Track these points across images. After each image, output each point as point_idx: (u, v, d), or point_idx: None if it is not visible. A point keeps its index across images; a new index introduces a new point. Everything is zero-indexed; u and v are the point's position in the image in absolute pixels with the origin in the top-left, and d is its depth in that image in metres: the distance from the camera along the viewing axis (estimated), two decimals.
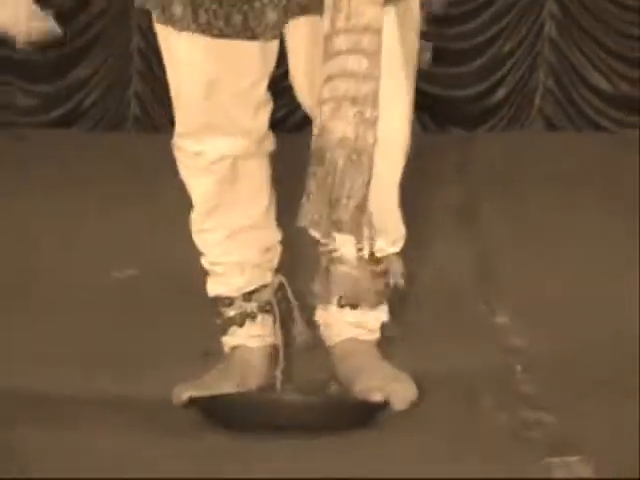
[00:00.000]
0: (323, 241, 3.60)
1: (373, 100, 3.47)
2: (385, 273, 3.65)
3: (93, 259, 5.15)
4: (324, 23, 3.47)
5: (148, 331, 4.14)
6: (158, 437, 3.36)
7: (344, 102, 3.47)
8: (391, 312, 3.66)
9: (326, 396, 3.60)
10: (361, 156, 3.53)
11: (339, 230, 3.51)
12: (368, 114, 3.47)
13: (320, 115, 3.47)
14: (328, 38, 3.43)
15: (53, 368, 3.82)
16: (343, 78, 3.46)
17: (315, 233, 3.49)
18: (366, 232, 3.54)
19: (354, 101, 3.47)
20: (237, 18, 3.56)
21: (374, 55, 3.45)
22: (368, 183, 3.48)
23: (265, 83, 3.60)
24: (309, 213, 3.48)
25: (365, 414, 3.51)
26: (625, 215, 5.62)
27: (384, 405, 3.46)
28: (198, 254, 3.69)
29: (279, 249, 3.67)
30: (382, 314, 3.67)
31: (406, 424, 3.38)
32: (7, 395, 3.60)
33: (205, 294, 3.66)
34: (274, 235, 3.67)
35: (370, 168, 3.46)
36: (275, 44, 3.57)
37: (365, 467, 3.23)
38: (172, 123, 3.62)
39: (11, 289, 4.66)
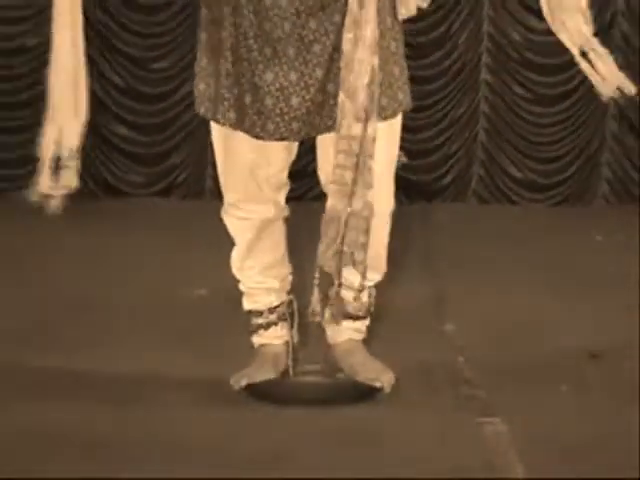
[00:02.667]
0: (335, 274, 3.52)
1: (354, 185, 3.43)
2: (370, 294, 3.65)
3: (169, 281, 4.98)
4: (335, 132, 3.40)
5: (211, 335, 4.12)
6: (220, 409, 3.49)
7: (338, 186, 3.45)
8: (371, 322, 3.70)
9: (340, 380, 3.65)
10: (359, 220, 3.48)
11: (352, 266, 3.50)
12: (349, 194, 3.44)
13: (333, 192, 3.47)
14: (335, 142, 3.39)
15: (136, 359, 3.86)
16: (339, 169, 3.44)
17: (329, 269, 3.50)
18: (364, 269, 3.51)
19: (343, 185, 3.44)
20: (270, 126, 3.46)
21: (356, 154, 3.41)
22: (366, 240, 3.49)
23: (287, 171, 3.59)
24: (325, 257, 3.49)
25: (366, 393, 3.61)
26: (545, 263, 5.41)
27: (379, 388, 3.60)
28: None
29: (290, 278, 3.69)
30: (367, 321, 3.69)
31: (388, 399, 3.54)
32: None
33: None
34: (287, 269, 3.69)
35: (367, 229, 3.47)
36: (296, 143, 3.54)
37: (364, 424, 3.41)
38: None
39: (107, 307, 4.50)
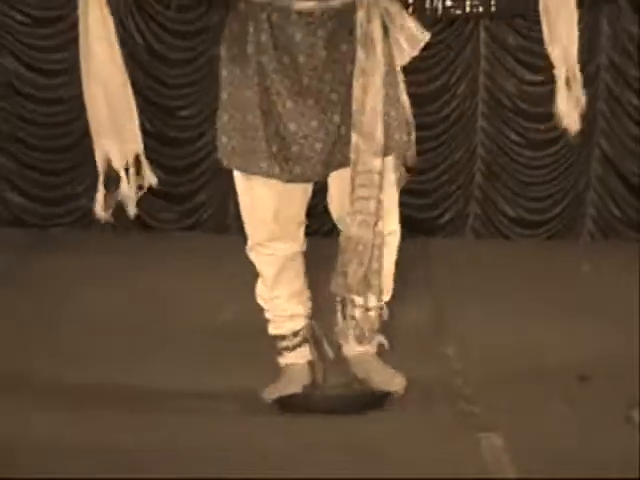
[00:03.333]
0: (352, 297, 3.59)
1: (377, 214, 3.49)
2: (381, 313, 3.66)
3: (197, 307, 4.91)
4: (350, 169, 3.45)
5: (236, 355, 4.07)
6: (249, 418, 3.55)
7: (359, 215, 3.48)
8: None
9: (354, 391, 3.69)
10: (368, 247, 3.50)
11: (360, 291, 3.56)
12: (374, 222, 3.50)
13: (348, 223, 3.50)
14: (352, 178, 3.44)
15: (172, 374, 3.89)
16: (361, 202, 3.47)
17: (345, 294, 3.58)
18: (380, 291, 3.59)
19: (369, 215, 3.48)
20: (298, 170, 3.48)
21: (376, 189, 3.46)
22: (379, 265, 3.54)
23: (304, 210, 3.61)
24: (354, 282, 3.53)
25: (379, 400, 3.62)
26: (536, 291, 5.32)
27: (389, 393, 3.62)
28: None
29: (310, 304, 3.73)
30: (379, 337, 3.69)
31: (391, 412, 3.56)
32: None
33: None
34: (307, 296, 3.72)
35: (380, 256, 3.53)
36: (311, 184, 3.57)
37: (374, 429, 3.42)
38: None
39: (142, 330, 4.47)
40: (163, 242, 6.53)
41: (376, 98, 3.39)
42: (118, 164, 3.45)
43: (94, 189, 6.58)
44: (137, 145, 3.48)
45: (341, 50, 3.43)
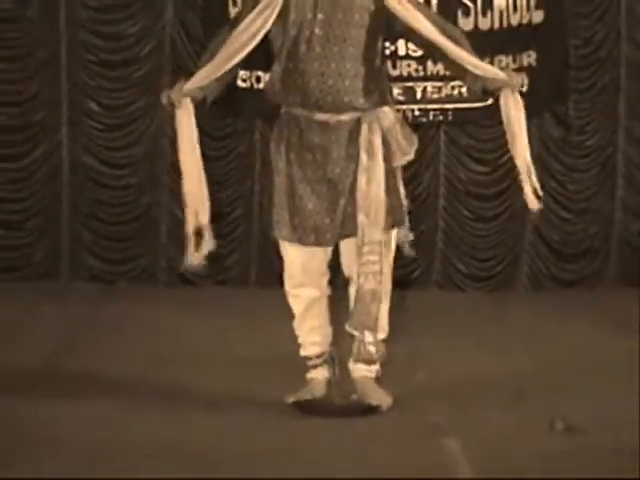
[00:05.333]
0: (358, 333, 3.61)
1: (380, 272, 3.52)
2: (379, 348, 3.66)
3: (232, 345, 4.78)
4: (358, 240, 3.50)
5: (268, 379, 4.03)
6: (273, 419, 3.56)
7: (369, 274, 3.51)
8: None
9: (354, 402, 3.69)
10: (375, 297, 3.53)
11: (368, 329, 3.59)
12: (378, 279, 3.53)
13: (359, 280, 3.52)
14: (359, 247, 3.50)
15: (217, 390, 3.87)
16: (369, 265, 3.50)
17: (354, 332, 3.60)
18: (378, 329, 3.63)
19: (375, 274, 3.50)
20: (312, 238, 3.54)
21: (380, 254, 3.50)
22: (379, 310, 3.58)
23: (326, 263, 3.66)
24: (357, 320, 3.56)
25: (371, 410, 3.64)
26: (484, 331, 5.20)
27: (380, 406, 3.64)
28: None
29: (331, 335, 3.76)
30: (377, 366, 3.70)
31: (375, 423, 3.53)
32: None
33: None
34: (329, 329, 3.75)
35: (380, 301, 3.55)
36: (330, 247, 3.63)
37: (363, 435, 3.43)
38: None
39: (187, 363, 4.34)
40: (198, 295, 6.33)
41: (378, 189, 3.43)
42: (189, 229, 3.53)
43: (152, 252, 6.63)
44: (204, 219, 3.53)
45: (349, 152, 3.50)
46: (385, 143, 3.48)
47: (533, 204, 3.61)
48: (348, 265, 3.62)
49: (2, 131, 6.19)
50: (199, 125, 6.29)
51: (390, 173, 3.54)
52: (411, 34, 3.49)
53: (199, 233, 3.51)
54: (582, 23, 6.18)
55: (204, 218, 3.51)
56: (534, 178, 3.59)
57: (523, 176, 3.58)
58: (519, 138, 3.54)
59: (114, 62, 6.22)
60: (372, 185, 3.44)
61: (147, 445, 3.21)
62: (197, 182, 3.52)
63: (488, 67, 3.55)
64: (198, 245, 3.50)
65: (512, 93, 3.49)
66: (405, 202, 3.64)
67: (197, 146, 3.54)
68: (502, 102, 3.51)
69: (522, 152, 3.56)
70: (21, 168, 6.25)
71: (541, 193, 3.61)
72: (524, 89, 5.79)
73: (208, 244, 3.52)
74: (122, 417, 3.54)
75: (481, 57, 5.44)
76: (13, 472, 2.90)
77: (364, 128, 3.47)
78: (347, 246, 3.60)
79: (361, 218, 3.47)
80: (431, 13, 3.77)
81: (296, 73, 3.42)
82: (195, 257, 3.51)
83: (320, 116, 3.45)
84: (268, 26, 3.40)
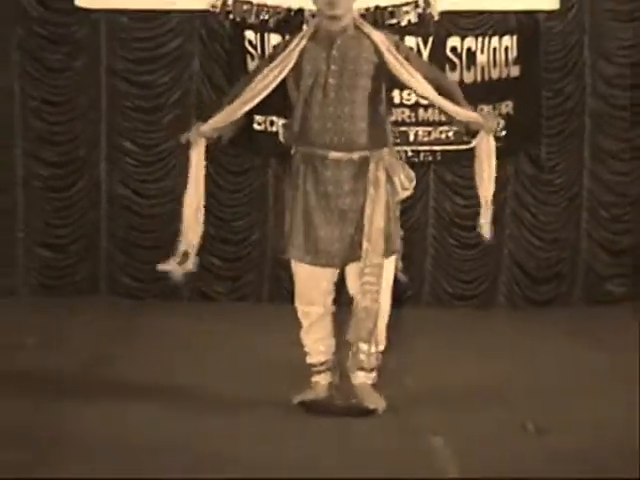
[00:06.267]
0: (354, 344, 3.58)
1: (378, 292, 3.49)
2: (378, 357, 3.64)
3: (248, 354, 4.68)
4: (361, 263, 3.48)
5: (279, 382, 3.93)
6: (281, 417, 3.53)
7: (366, 293, 3.49)
8: None
9: (352, 404, 3.65)
10: (372, 313, 3.50)
11: (363, 341, 3.56)
12: (377, 297, 3.50)
13: (360, 298, 3.49)
14: (362, 269, 3.48)
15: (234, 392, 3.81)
16: (367, 285, 3.47)
17: (356, 342, 3.56)
18: (376, 341, 3.59)
19: (372, 293, 3.48)
20: (323, 260, 3.54)
21: (378, 276, 3.48)
22: (376, 323, 3.53)
23: (333, 284, 3.61)
24: (353, 333, 3.54)
25: (368, 413, 3.61)
26: (469, 343, 5.13)
27: (376, 409, 3.61)
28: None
29: (334, 346, 3.71)
30: (374, 373, 3.67)
31: (370, 423, 3.49)
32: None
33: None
34: (333, 341, 3.70)
35: (375, 317, 3.51)
36: (337, 270, 3.60)
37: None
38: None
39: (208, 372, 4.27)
40: (218, 310, 6.30)
41: (380, 219, 3.43)
42: (181, 246, 3.53)
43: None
44: (192, 244, 3.53)
45: (357, 186, 3.49)
46: (388, 179, 3.48)
47: (486, 234, 3.60)
48: (352, 286, 3.60)
49: (50, 166, 6.30)
50: (221, 162, 6.35)
51: (391, 206, 3.54)
52: (407, 85, 3.50)
53: (186, 252, 3.52)
54: (553, 77, 6.26)
55: (195, 241, 3.52)
56: (490, 213, 3.58)
57: (482, 209, 3.57)
58: (485, 175, 3.54)
59: (146, 108, 6.30)
60: (376, 215, 3.44)
61: (169, 444, 3.18)
62: (195, 212, 3.51)
63: (469, 113, 3.51)
64: (183, 262, 3.50)
65: (487, 135, 3.47)
66: (401, 232, 3.63)
67: (202, 182, 3.51)
68: (476, 141, 3.51)
69: (485, 187, 3.56)
70: (66, 198, 6.33)
71: (490, 229, 3.60)
72: (503, 133, 5.94)
73: (190, 265, 3.51)
74: (149, 418, 3.50)
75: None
76: (45, 469, 2.86)
77: (372, 166, 3.46)
78: (352, 269, 3.57)
79: (365, 244, 3.47)
80: (425, 64, 3.75)
81: (313, 117, 3.43)
82: (175, 269, 3.51)
83: (334, 154, 3.46)
84: (280, 79, 3.41)
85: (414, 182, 3.56)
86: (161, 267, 3.55)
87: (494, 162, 3.48)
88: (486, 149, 3.48)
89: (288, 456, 3.09)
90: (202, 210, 3.55)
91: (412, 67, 3.41)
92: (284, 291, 5.84)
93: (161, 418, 3.49)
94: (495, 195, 3.61)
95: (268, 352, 4.62)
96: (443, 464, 3.05)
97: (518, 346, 5.07)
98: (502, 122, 5.97)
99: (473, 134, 3.54)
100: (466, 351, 4.90)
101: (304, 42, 3.42)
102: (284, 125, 3.44)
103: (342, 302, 3.76)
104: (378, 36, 3.43)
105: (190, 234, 3.51)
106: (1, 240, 6.19)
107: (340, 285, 3.70)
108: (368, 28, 3.45)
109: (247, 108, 3.44)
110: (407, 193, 3.58)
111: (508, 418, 3.56)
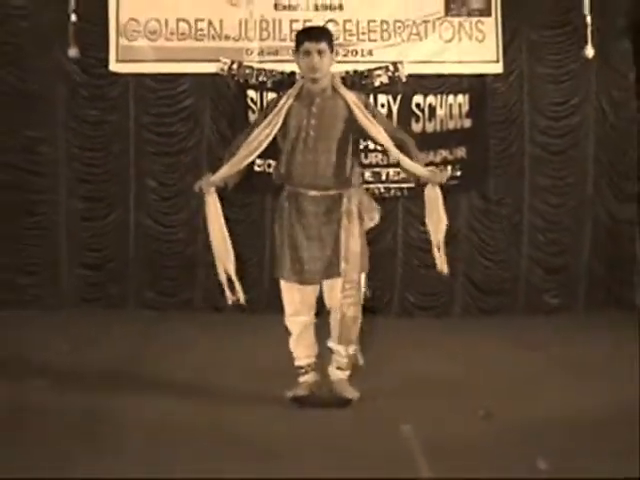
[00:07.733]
0: (337, 348, 3.54)
1: (357, 302, 3.45)
2: (356, 357, 3.59)
3: (248, 357, 4.61)
4: (342, 280, 3.42)
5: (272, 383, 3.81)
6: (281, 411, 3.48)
7: (350, 305, 3.43)
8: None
9: (334, 397, 3.61)
10: (350, 321, 3.46)
11: (348, 344, 3.51)
12: (355, 307, 3.46)
13: (341, 308, 3.43)
14: (343, 284, 3.40)
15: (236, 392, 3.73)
16: (349, 299, 3.41)
17: (336, 347, 3.53)
18: (351, 344, 3.54)
19: (354, 305, 3.43)
20: (308, 277, 3.48)
21: (357, 290, 3.43)
22: (353, 330, 3.49)
23: (315, 297, 3.54)
24: (333, 339, 3.54)
25: (347, 402, 3.56)
26: (433, 346, 5.03)
27: (352, 399, 3.57)
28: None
29: (317, 350, 3.66)
30: (349, 371, 3.63)
31: (346, 413, 3.42)
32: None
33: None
34: (316, 345, 3.66)
35: (354, 325, 3.47)
36: (318, 286, 3.53)
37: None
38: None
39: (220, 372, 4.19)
40: (224, 319, 5.95)
41: (355, 243, 3.40)
42: (222, 278, 3.47)
43: (192, 288, 6.52)
44: (231, 270, 3.47)
45: (332, 217, 3.47)
46: (358, 211, 3.46)
47: (443, 269, 3.53)
48: (328, 298, 3.56)
49: (87, 200, 6.33)
50: (227, 198, 6.27)
51: (362, 233, 3.50)
52: (371, 136, 3.47)
53: (230, 280, 3.44)
54: (498, 128, 6.32)
55: (230, 268, 3.45)
56: (442, 253, 3.49)
57: (434, 249, 3.50)
58: (434, 219, 3.45)
59: (167, 153, 6.32)
60: (350, 241, 3.41)
61: (189, 427, 3.19)
62: (222, 243, 3.46)
63: (419, 168, 3.41)
64: (233, 289, 3.44)
65: (433, 186, 3.41)
66: (367, 253, 3.56)
67: (222, 219, 3.48)
68: (426, 191, 3.45)
69: (435, 231, 3.46)
70: (100, 227, 6.35)
71: (445, 264, 3.52)
72: (458, 173, 5.98)
73: (239, 294, 3.45)
74: (174, 409, 3.47)
75: (428, 150, 5.90)
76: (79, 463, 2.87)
77: (345, 200, 3.45)
78: (328, 285, 3.54)
79: (343, 265, 3.42)
80: (387, 121, 3.67)
81: (297, 163, 3.44)
82: (232, 299, 3.47)
83: (313, 192, 3.47)
84: (274, 132, 3.42)
85: (379, 213, 3.52)
86: (232, 303, 3.48)
87: (442, 210, 3.39)
88: (434, 198, 3.40)
89: (284, 433, 3.16)
90: (229, 240, 3.48)
91: (377, 122, 3.40)
92: (278, 304, 5.75)
93: (179, 407, 3.49)
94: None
95: (263, 355, 4.57)
96: (411, 449, 3.02)
97: (472, 347, 5.04)
98: (457, 166, 6.08)
99: (423, 184, 3.49)
100: (429, 352, 4.86)
101: (290, 101, 3.42)
102: (274, 167, 3.42)
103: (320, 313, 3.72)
104: (351, 96, 3.42)
105: (225, 263, 3.44)
106: (49, 262, 6.25)
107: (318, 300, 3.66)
108: (343, 89, 3.45)
109: (247, 161, 3.44)
110: (375, 222, 3.54)
111: (464, 405, 3.55)
